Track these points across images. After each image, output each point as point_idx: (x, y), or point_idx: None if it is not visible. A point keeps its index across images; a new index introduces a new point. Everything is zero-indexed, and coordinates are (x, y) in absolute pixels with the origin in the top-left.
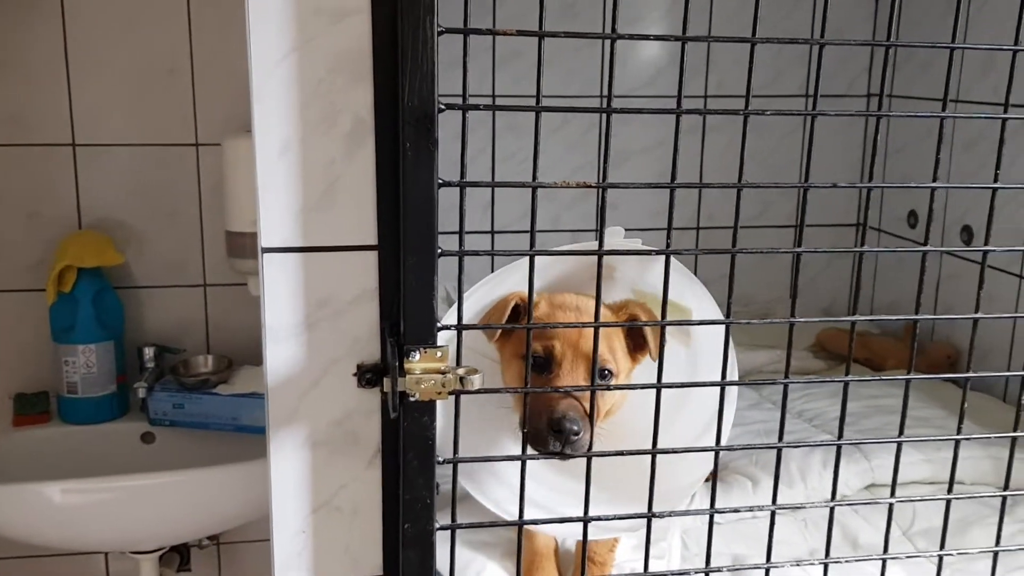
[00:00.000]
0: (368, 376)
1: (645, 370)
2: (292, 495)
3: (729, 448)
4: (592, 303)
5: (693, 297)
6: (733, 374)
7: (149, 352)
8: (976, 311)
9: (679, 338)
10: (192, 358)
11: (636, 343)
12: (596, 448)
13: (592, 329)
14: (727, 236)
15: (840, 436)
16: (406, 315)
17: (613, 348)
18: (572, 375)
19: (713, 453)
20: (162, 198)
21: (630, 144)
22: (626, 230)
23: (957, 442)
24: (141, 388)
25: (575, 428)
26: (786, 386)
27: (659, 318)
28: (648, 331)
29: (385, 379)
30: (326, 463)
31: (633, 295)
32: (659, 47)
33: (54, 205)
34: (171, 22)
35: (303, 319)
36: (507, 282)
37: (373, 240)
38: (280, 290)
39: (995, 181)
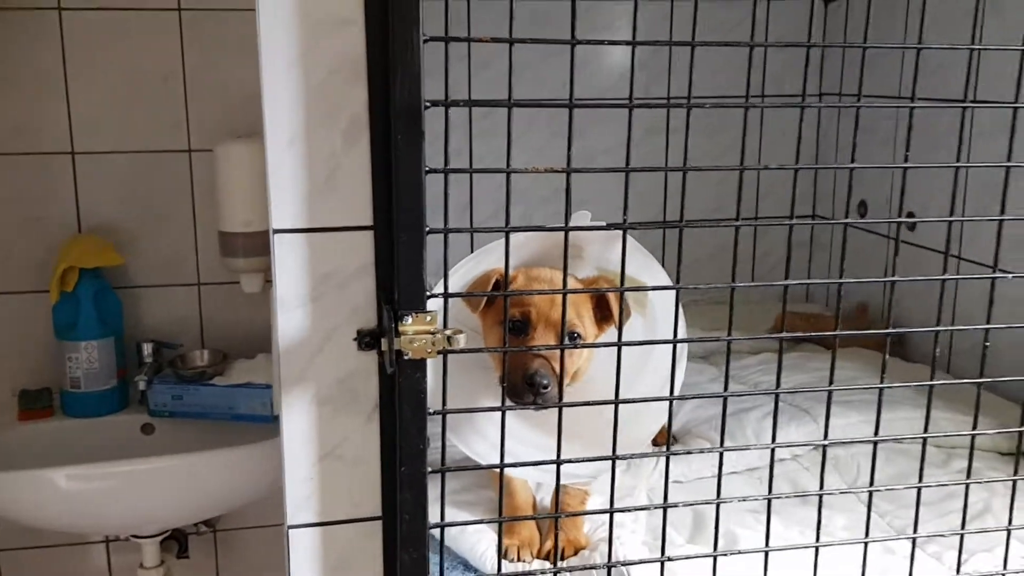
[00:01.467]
0: (367, 340)
1: (609, 340)
2: (301, 446)
3: (682, 398)
4: (561, 275)
5: (649, 272)
6: (683, 350)
7: (147, 348)
8: (889, 274)
9: (637, 309)
10: (189, 352)
11: (602, 314)
12: (560, 395)
13: (562, 298)
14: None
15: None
16: (399, 285)
17: (581, 316)
18: (544, 338)
19: (667, 408)
20: (157, 202)
21: (597, 144)
22: (626, 225)
23: (881, 391)
24: (141, 381)
25: (545, 382)
26: (729, 343)
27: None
28: (612, 302)
29: (382, 340)
30: (330, 418)
31: (598, 272)
32: (624, 53)
33: (55, 210)
34: (164, 36)
35: (309, 291)
36: (487, 260)
37: (369, 221)
38: (289, 266)
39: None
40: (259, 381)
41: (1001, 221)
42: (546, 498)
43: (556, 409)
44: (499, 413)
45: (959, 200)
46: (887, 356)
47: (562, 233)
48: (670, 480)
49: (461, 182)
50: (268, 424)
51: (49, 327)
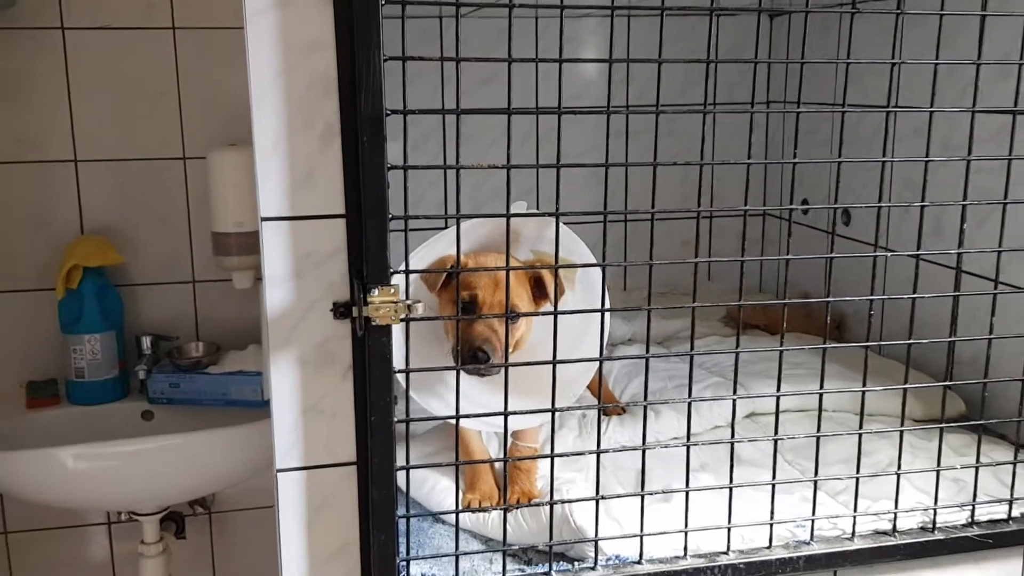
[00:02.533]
0: (341, 310)
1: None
2: (287, 402)
3: (609, 358)
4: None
5: (576, 254)
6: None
7: (146, 341)
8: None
9: (567, 286)
10: (185, 344)
11: (539, 292)
12: (512, 373)
13: (505, 280)
14: (646, 224)
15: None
16: (367, 263)
17: (520, 296)
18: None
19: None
20: (155, 205)
21: (567, 148)
22: (559, 213)
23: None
24: (141, 371)
25: (488, 353)
26: (649, 312)
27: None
28: (546, 280)
29: (354, 309)
30: (311, 377)
31: (532, 254)
32: (590, 64)
33: (59, 214)
34: (160, 52)
35: (292, 269)
36: (442, 243)
37: (342, 210)
38: (275, 248)
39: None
40: (250, 369)
41: (922, 207)
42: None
43: (502, 373)
44: (455, 379)
45: (885, 197)
46: (785, 329)
47: (504, 220)
48: (618, 445)
49: (437, 182)
50: (259, 408)
51: (55, 322)
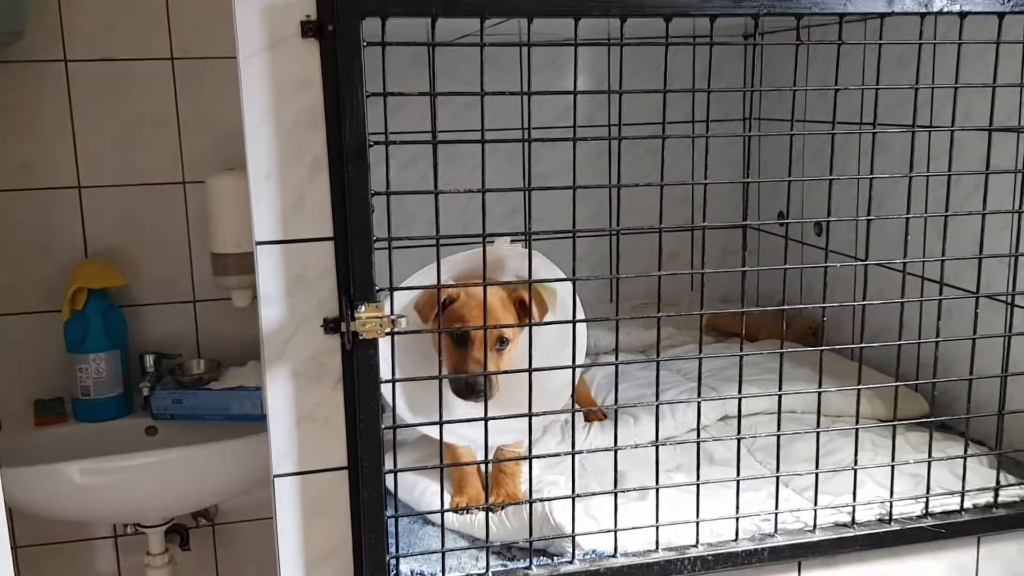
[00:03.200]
0: (331, 325)
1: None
2: (282, 412)
3: (583, 366)
4: (493, 290)
5: (551, 274)
6: (581, 328)
7: (149, 359)
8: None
9: (550, 309)
10: (187, 362)
11: (524, 314)
12: (500, 390)
13: (494, 311)
14: (634, 239)
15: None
16: (354, 281)
17: (508, 320)
18: (480, 345)
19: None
20: (155, 228)
21: (550, 168)
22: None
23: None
24: (145, 388)
25: (481, 387)
26: (617, 321)
27: (540, 295)
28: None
29: (342, 325)
30: (304, 388)
31: (516, 279)
32: (571, 86)
33: (64, 238)
34: (159, 83)
35: (284, 288)
36: (429, 275)
37: (330, 233)
38: (269, 269)
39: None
40: (250, 385)
41: (908, 220)
42: (489, 467)
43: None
44: (457, 413)
45: (852, 210)
46: (744, 335)
47: (492, 250)
48: (597, 448)
49: (428, 201)
50: (259, 422)
51: (61, 342)
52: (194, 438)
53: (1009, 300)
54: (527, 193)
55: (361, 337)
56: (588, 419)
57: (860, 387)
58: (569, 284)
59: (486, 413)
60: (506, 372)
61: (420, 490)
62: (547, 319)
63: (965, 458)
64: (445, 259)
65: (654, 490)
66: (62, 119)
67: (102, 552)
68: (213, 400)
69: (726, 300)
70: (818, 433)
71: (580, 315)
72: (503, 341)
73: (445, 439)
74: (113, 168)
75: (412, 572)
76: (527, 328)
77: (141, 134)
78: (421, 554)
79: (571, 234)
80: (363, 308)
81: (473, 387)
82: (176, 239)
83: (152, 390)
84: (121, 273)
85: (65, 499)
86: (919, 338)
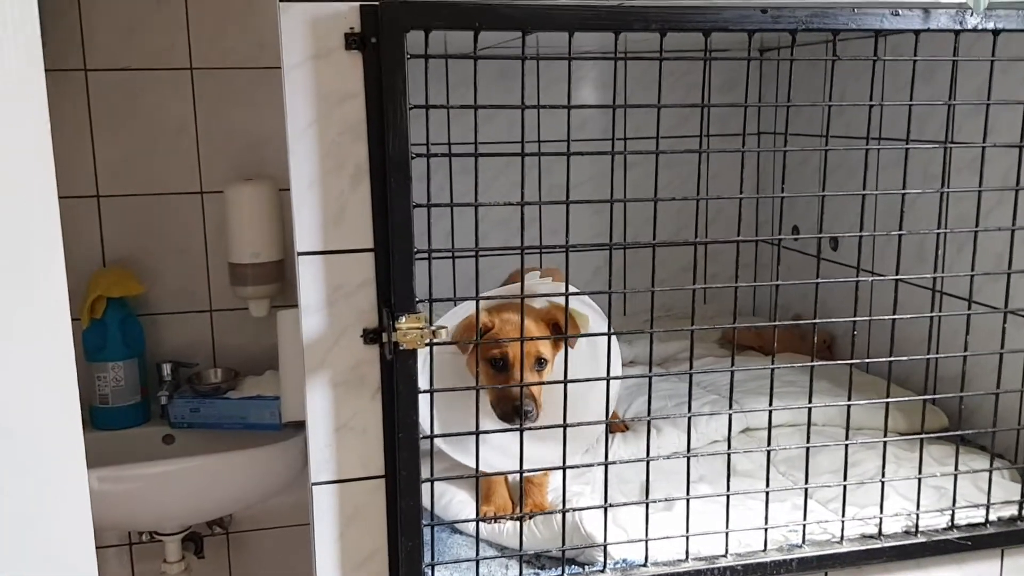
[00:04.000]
0: (371, 336)
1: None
2: (321, 420)
3: (616, 377)
4: (527, 315)
5: (583, 306)
6: (616, 358)
7: (167, 367)
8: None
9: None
10: (204, 371)
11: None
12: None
13: (529, 332)
14: (647, 252)
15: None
16: (395, 292)
17: (545, 344)
18: (520, 367)
19: (607, 408)
20: (173, 238)
21: (572, 178)
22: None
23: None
24: (163, 396)
25: (529, 409)
26: (652, 335)
27: (573, 318)
28: (562, 323)
29: (383, 335)
30: (344, 397)
31: (550, 304)
32: (589, 99)
33: (82, 247)
34: (178, 92)
35: (325, 298)
36: (461, 311)
37: (371, 245)
38: (310, 280)
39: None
40: (267, 394)
41: (900, 236)
42: (516, 477)
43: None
44: (491, 443)
45: (869, 223)
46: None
47: (523, 280)
48: (623, 460)
49: (444, 214)
50: (276, 431)
51: (80, 350)
52: (211, 447)
53: None
54: (567, 207)
55: (402, 348)
56: (611, 431)
57: (888, 400)
58: (601, 316)
59: (521, 421)
60: (545, 383)
61: (448, 499)
62: (579, 353)
63: (991, 471)
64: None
65: (683, 500)
66: (81, 128)
67: (117, 559)
68: (231, 409)
69: (740, 314)
70: (846, 446)
71: (616, 352)
72: (541, 362)
73: (481, 468)
74: (131, 177)
75: None
76: (557, 350)
77: (160, 144)
78: (455, 562)
79: (565, 248)
80: (404, 319)
81: (519, 409)
82: (194, 248)
83: (170, 398)
84: (139, 282)
85: None
86: (936, 352)
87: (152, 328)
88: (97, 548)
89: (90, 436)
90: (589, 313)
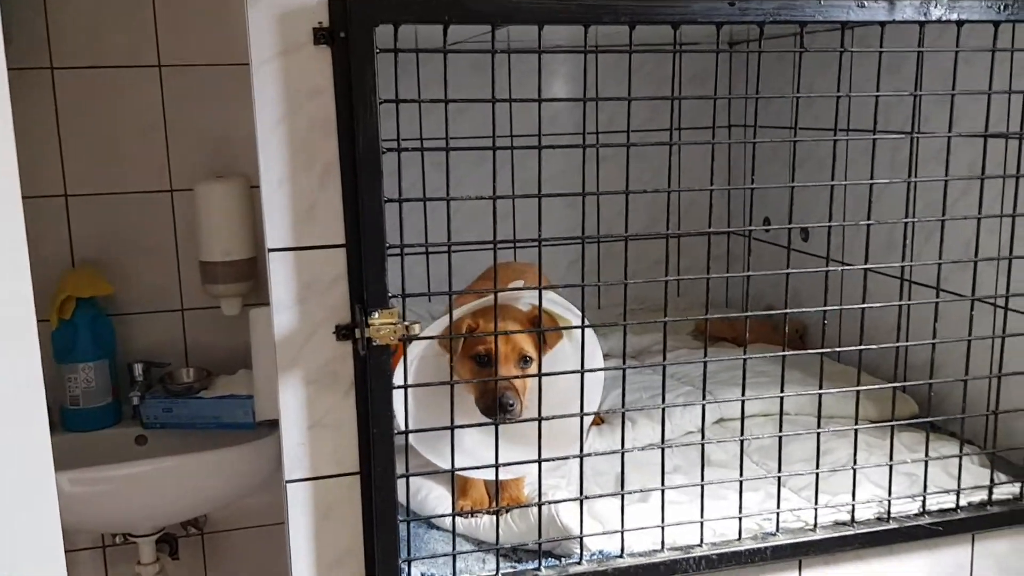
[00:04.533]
0: (343, 332)
1: (548, 361)
2: (294, 418)
3: (591, 370)
4: (510, 316)
5: (564, 309)
6: (597, 353)
7: (138, 368)
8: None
9: (564, 335)
10: (176, 371)
11: (542, 339)
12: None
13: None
14: (620, 246)
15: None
16: (367, 289)
17: (527, 342)
18: (506, 366)
19: (591, 406)
20: (143, 236)
21: (543, 171)
22: (541, 240)
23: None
24: (135, 397)
25: (511, 402)
26: (625, 327)
27: (555, 321)
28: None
29: (356, 331)
30: (317, 394)
31: (532, 307)
32: (561, 92)
33: (50, 247)
34: (146, 89)
35: (297, 295)
36: (446, 318)
37: (342, 240)
38: (281, 277)
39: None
40: (241, 393)
41: (869, 226)
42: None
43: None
44: (468, 439)
45: (838, 215)
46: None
47: (504, 281)
48: (599, 452)
49: (416, 208)
50: (250, 430)
51: (49, 351)
52: (185, 447)
53: (1002, 303)
54: (539, 200)
55: (375, 343)
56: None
57: (859, 388)
58: (579, 316)
59: (499, 414)
60: (526, 375)
61: (424, 495)
62: (559, 348)
63: (961, 457)
64: (459, 309)
65: (658, 491)
66: (48, 127)
67: (90, 563)
68: (204, 409)
69: (712, 306)
70: (818, 434)
71: (596, 344)
72: (526, 359)
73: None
74: (100, 176)
75: (423, 575)
76: (547, 355)
77: (128, 142)
78: (431, 557)
79: (537, 242)
80: (377, 315)
81: (502, 403)
82: (164, 247)
83: (142, 399)
84: (109, 282)
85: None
86: (905, 340)
87: (123, 328)
88: (70, 551)
89: (61, 438)
90: (573, 320)
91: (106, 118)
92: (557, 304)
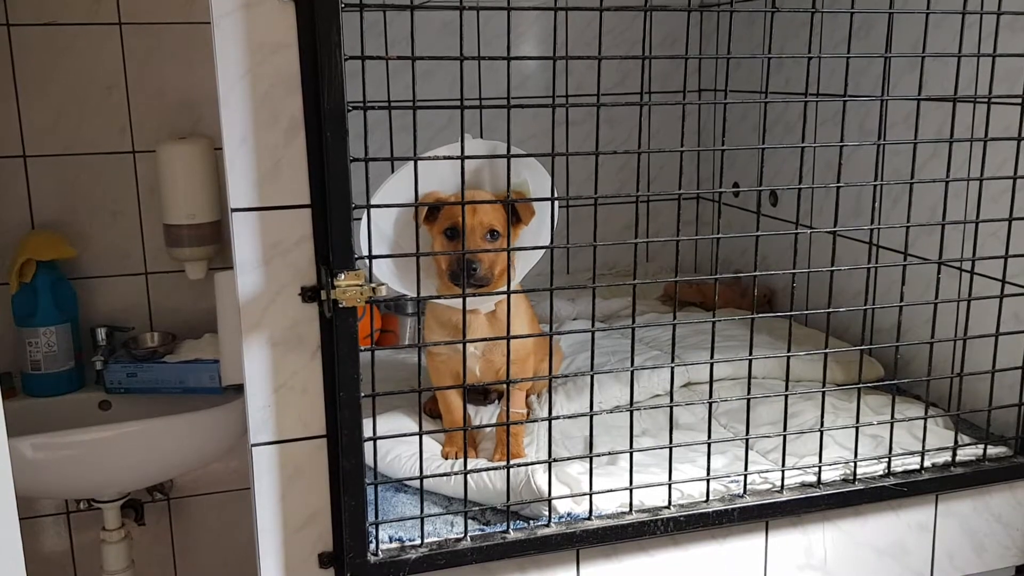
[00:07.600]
0: (309, 294)
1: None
2: (259, 381)
3: (558, 333)
4: (481, 193)
5: (538, 179)
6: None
7: (101, 332)
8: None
9: (534, 212)
10: (140, 335)
11: (514, 218)
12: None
13: (483, 207)
14: (589, 209)
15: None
16: (333, 250)
17: (498, 219)
18: (473, 237)
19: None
20: (105, 199)
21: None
22: (510, 201)
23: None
24: (98, 361)
25: (474, 266)
26: (593, 291)
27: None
28: (519, 208)
29: (321, 293)
30: (282, 357)
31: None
32: (532, 55)
33: (9, 209)
34: (107, 48)
35: (261, 256)
36: (406, 177)
37: (307, 200)
38: (245, 237)
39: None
40: (207, 357)
41: (838, 188)
42: (483, 418)
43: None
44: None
45: (807, 179)
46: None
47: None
48: (567, 415)
49: (386, 168)
50: (217, 395)
51: (8, 316)
52: (149, 412)
53: (968, 267)
54: (508, 161)
55: (341, 305)
56: (528, 392)
57: (826, 351)
58: (546, 177)
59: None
60: (488, 250)
61: (393, 456)
62: (532, 222)
63: (926, 419)
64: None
65: (627, 454)
66: (5, 86)
67: (54, 528)
68: (169, 373)
69: (681, 271)
70: (786, 397)
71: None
72: (494, 233)
73: (441, 304)
74: (59, 137)
75: (391, 538)
76: (516, 230)
77: (88, 102)
78: (399, 520)
79: (506, 203)
80: (343, 276)
81: (469, 268)
82: (127, 210)
83: (105, 364)
84: (70, 245)
85: (17, 475)
86: (872, 303)
87: (85, 292)
88: (33, 518)
89: (22, 403)
90: (535, 177)
91: (65, 77)
92: (526, 172)
